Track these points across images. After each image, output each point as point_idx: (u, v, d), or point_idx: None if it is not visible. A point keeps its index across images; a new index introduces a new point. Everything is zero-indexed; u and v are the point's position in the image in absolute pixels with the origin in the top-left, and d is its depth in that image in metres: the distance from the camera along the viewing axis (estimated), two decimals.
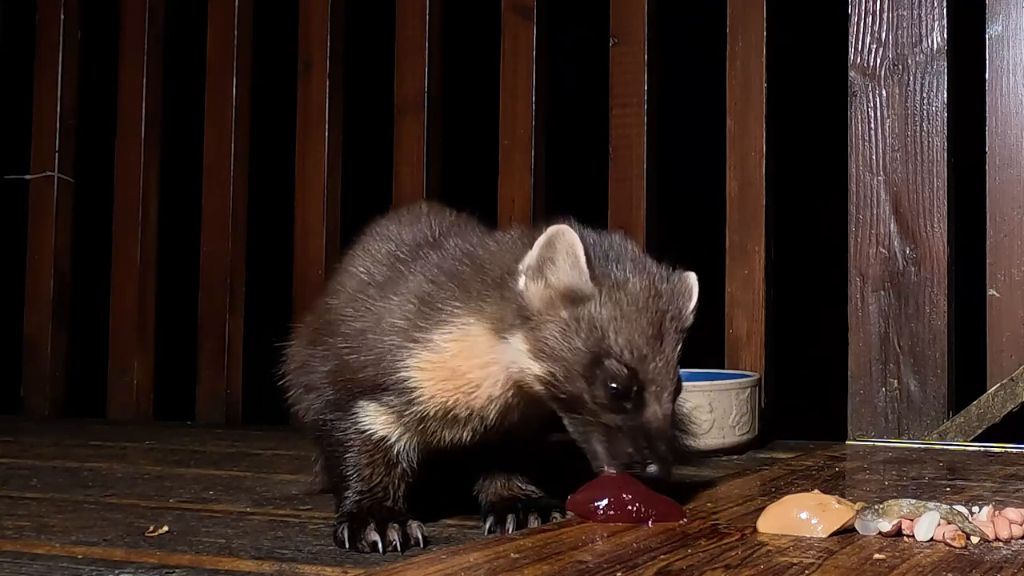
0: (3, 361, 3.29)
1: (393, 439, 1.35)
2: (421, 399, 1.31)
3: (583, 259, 1.23)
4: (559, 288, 1.23)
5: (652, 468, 1.21)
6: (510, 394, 1.30)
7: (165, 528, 1.44)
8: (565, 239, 1.23)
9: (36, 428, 2.84)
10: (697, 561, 1.04)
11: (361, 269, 1.43)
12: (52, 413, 3.16)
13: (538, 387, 1.25)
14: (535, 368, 1.24)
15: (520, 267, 1.25)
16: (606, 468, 1.23)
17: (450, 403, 1.31)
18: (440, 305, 1.30)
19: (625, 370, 1.21)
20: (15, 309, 3.24)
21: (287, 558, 1.27)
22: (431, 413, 1.32)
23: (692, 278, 1.32)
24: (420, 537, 1.29)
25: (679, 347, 1.26)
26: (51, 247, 3.21)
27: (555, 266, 1.23)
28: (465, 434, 1.34)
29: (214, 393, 2.99)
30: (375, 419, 1.35)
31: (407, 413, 1.32)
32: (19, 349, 3.23)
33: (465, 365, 1.28)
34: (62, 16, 3.26)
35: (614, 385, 1.21)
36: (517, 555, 1.07)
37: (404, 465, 1.36)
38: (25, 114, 3.28)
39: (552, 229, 1.24)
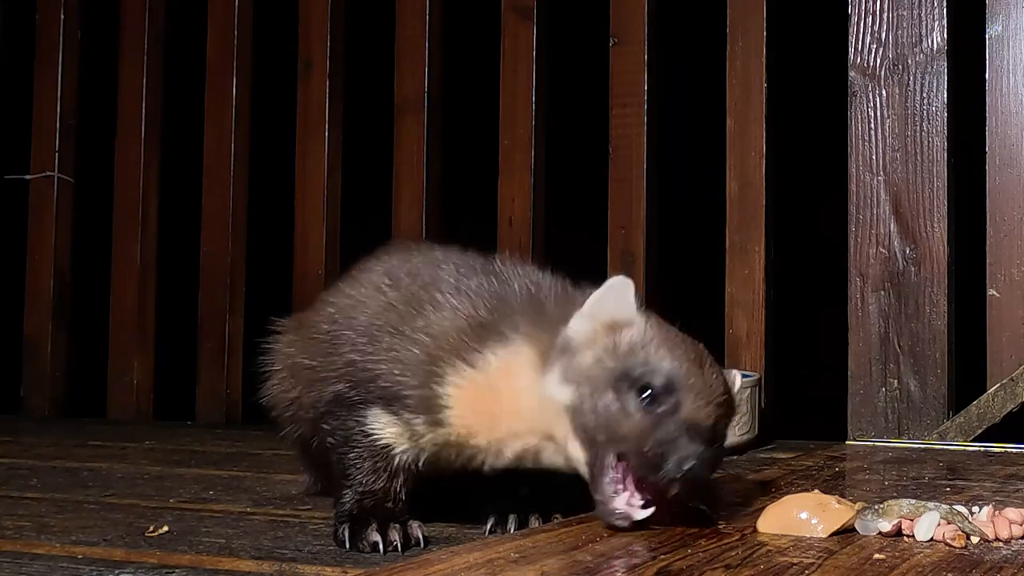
0: (3, 361, 3.29)
1: (398, 450, 1.34)
2: (448, 419, 1.29)
3: (631, 295, 1.24)
4: (603, 320, 1.23)
5: (683, 465, 1.15)
6: (531, 440, 1.28)
7: (165, 528, 1.44)
8: (622, 282, 1.25)
9: (36, 428, 2.84)
10: (697, 561, 1.04)
11: (387, 282, 1.41)
12: (52, 413, 3.16)
13: (564, 420, 1.22)
14: (562, 395, 1.22)
15: (576, 312, 1.26)
16: (613, 506, 1.19)
17: (473, 428, 1.29)
18: (496, 327, 1.29)
19: (662, 378, 1.19)
20: (15, 309, 3.25)
21: (287, 558, 1.27)
22: (452, 439, 1.31)
23: (734, 374, 1.31)
24: (420, 537, 1.28)
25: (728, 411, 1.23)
26: (51, 247, 3.21)
27: (603, 304, 1.24)
28: (473, 465, 1.33)
29: (214, 393, 2.99)
30: (385, 428, 1.33)
31: (426, 436, 1.31)
32: (19, 349, 3.23)
33: (503, 385, 1.27)
34: (62, 16, 3.26)
35: (648, 391, 1.18)
36: (517, 555, 1.07)
37: (406, 474, 1.35)
38: (25, 114, 3.29)
39: (613, 279, 1.25)
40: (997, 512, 1.18)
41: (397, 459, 1.34)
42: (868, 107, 2.34)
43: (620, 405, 1.19)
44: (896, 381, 2.27)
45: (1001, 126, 2.27)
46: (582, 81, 3.03)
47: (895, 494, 1.43)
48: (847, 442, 2.17)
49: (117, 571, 1.23)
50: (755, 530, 1.18)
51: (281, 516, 1.54)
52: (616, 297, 1.24)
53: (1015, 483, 1.56)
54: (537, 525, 1.32)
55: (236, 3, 3.06)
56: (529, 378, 1.26)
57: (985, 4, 2.30)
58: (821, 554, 1.07)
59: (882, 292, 2.31)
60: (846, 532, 1.16)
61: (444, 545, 1.30)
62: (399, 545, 1.26)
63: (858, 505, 1.19)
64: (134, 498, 1.71)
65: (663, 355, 1.21)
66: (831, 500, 1.19)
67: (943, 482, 1.58)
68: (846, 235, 2.35)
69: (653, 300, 2.58)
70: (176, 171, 3.20)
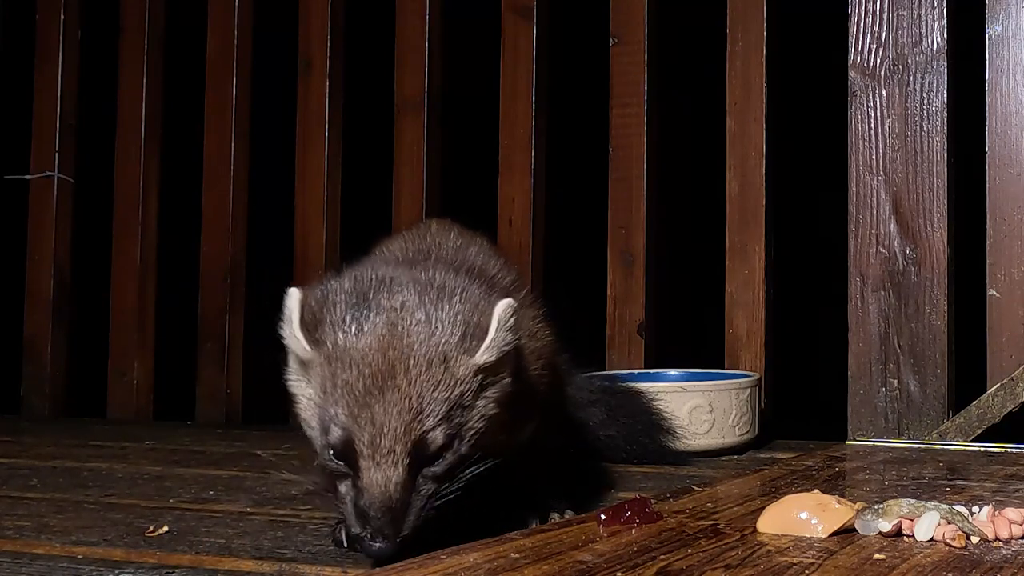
0: (3, 361, 3.29)
1: None
2: None
3: (296, 325, 1.19)
4: (293, 354, 1.21)
5: (374, 546, 1.12)
6: None
7: (165, 528, 1.44)
8: (287, 304, 1.20)
9: (36, 428, 2.84)
10: (697, 561, 1.04)
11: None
12: (52, 413, 3.16)
13: None
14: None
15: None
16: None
17: None
18: None
19: (340, 433, 1.13)
20: (15, 309, 3.24)
21: (287, 558, 1.27)
22: None
23: (495, 309, 1.18)
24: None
25: (423, 394, 1.14)
26: (51, 247, 3.21)
27: (284, 332, 1.20)
28: None
29: (214, 393, 2.99)
30: None
31: None
32: (19, 349, 3.23)
33: None
34: (62, 16, 3.26)
35: (331, 451, 1.15)
36: (517, 555, 1.07)
37: None
38: (25, 114, 3.28)
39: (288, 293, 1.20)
40: (997, 512, 1.18)
41: None
42: (868, 107, 2.34)
43: (326, 462, 1.19)
44: (896, 381, 2.27)
45: (1001, 126, 2.27)
46: (582, 81, 3.03)
47: (895, 494, 1.43)
48: (847, 442, 2.17)
49: (117, 571, 1.23)
50: (755, 530, 1.18)
51: (281, 516, 1.54)
52: (288, 328, 1.19)
53: (1015, 483, 1.56)
54: (536, 525, 1.32)
55: (236, 3, 3.06)
56: None
57: (985, 4, 2.29)
58: (821, 554, 1.07)
59: (882, 292, 2.30)
60: (846, 532, 1.16)
61: (444, 546, 1.30)
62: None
63: (858, 505, 1.19)
64: (134, 498, 1.71)
65: (338, 400, 1.15)
66: (831, 500, 1.19)
67: (943, 482, 1.58)
68: (846, 235, 2.35)
69: (655, 299, 2.59)
70: (176, 171, 3.20)
